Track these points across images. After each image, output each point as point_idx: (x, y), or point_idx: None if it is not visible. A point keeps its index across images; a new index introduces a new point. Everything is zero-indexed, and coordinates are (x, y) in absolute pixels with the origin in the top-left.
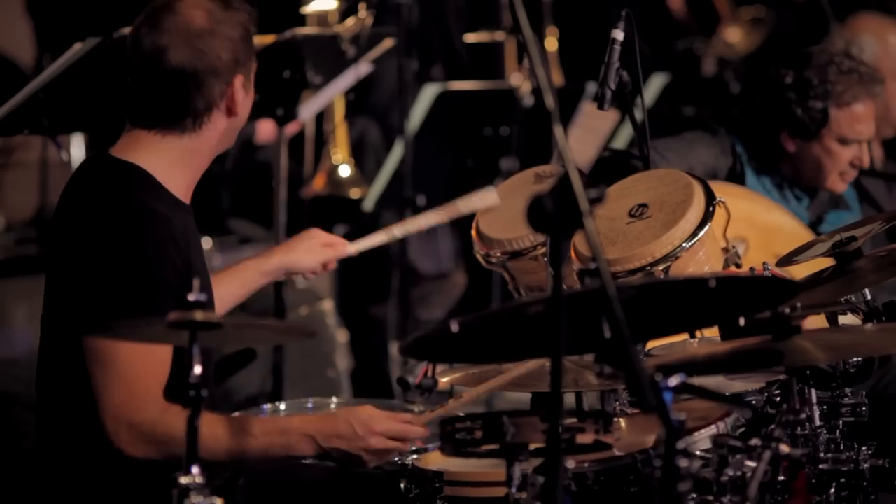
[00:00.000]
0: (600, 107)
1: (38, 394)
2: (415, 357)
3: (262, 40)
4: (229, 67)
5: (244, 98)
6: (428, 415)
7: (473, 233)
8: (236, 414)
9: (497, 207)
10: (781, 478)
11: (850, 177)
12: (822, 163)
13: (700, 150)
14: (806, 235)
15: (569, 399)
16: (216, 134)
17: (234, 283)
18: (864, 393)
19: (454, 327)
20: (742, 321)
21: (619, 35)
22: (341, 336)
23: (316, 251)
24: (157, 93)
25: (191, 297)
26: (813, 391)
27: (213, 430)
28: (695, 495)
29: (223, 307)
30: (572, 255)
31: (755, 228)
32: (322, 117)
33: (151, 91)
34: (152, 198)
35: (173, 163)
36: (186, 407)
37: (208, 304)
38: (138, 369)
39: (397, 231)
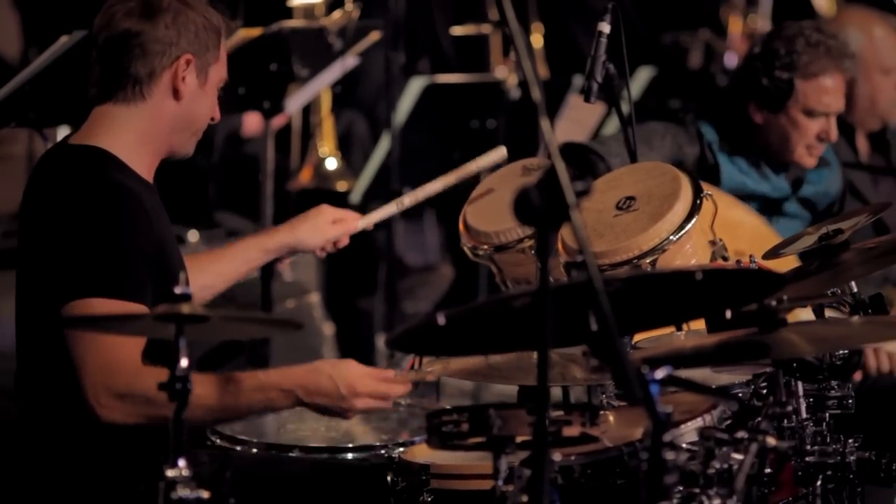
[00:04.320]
0: (587, 100)
1: (17, 382)
2: (402, 350)
3: (248, 33)
4: (177, 42)
5: (195, 89)
6: (412, 374)
7: (461, 225)
8: None
9: (485, 199)
10: (768, 470)
11: (818, 150)
12: (789, 135)
13: (662, 141)
14: (767, 233)
15: (555, 392)
16: (164, 115)
17: (236, 260)
18: (850, 385)
19: (441, 320)
20: (729, 314)
21: (605, 28)
22: (328, 329)
23: (323, 228)
24: (105, 57)
25: (177, 290)
26: (799, 384)
27: (197, 386)
28: (681, 488)
29: (223, 283)
30: (560, 247)
31: (715, 225)
32: (309, 110)
33: (101, 56)
34: (118, 174)
35: (131, 142)
36: (173, 400)
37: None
38: (113, 339)
39: (407, 200)
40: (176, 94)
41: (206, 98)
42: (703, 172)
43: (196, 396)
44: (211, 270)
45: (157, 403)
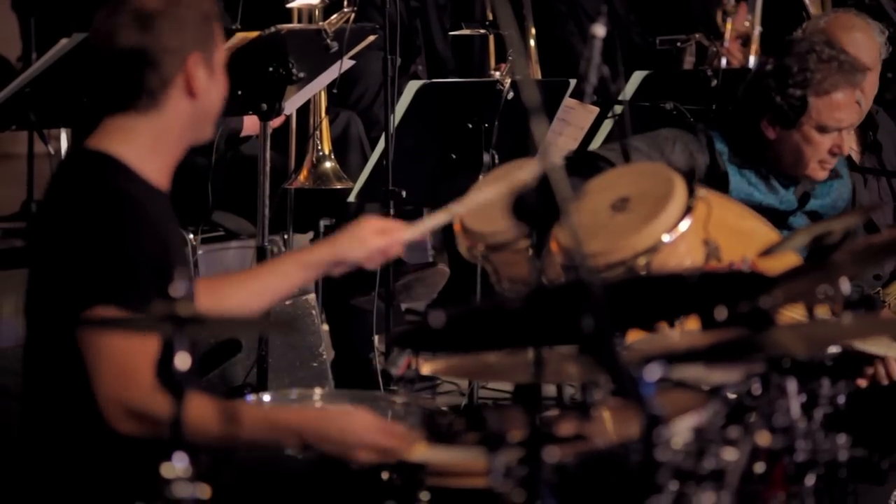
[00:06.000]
0: (580, 101)
1: (24, 386)
2: (403, 348)
3: (246, 36)
4: (183, 45)
5: (206, 80)
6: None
7: (456, 225)
8: None
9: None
10: (759, 468)
11: (831, 164)
12: (802, 151)
13: (673, 150)
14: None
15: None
16: (181, 116)
17: (272, 277)
18: (842, 383)
19: (440, 320)
20: (721, 314)
21: (599, 30)
22: (326, 327)
23: (365, 239)
24: (111, 74)
25: (173, 291)
26: (791, 382)
27: (203, 412)
28: (673, 486)
29: (258, 301)
30: (556, 248)
31: (727, 233)
32: (306, 110)
33: (106, 73)
34: (124, 182)
35: (143, 148)
36: (174, 400)
37: (188, 295)
38: (128, 348)
39: (458, 208)
40: (191, 92)
41: (217, 84)
42: (713, 181)
43: (202, 419)
44: (244, 288)
45: (168, 427)
